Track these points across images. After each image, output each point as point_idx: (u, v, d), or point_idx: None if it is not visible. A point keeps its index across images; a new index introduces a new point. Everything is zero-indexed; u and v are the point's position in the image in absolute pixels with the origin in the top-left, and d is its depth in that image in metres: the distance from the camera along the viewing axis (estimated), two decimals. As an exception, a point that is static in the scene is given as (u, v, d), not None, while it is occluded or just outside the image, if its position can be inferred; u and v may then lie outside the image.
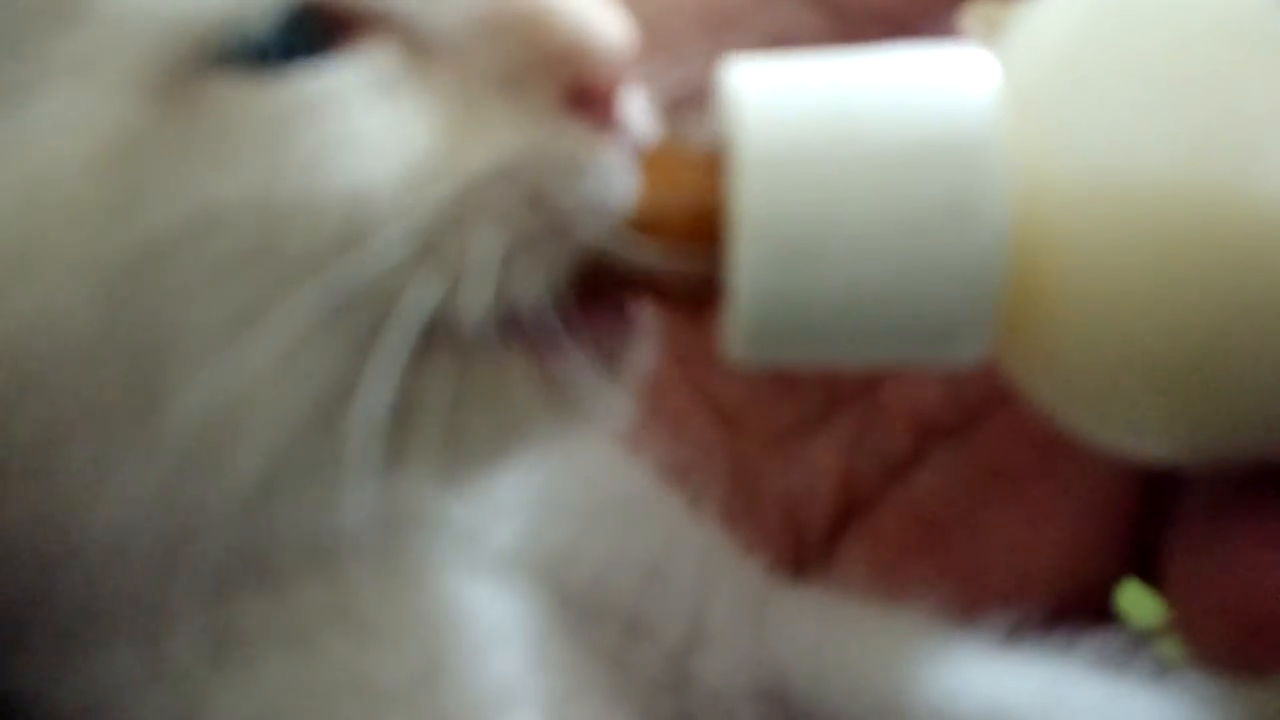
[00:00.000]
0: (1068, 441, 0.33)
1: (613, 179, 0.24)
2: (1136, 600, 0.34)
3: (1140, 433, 0.24)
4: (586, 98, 0.24)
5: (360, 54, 0.23)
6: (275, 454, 0.23)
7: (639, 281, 0.24)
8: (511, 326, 0.24)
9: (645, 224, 0.23)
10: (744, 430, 0.35)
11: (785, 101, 0.23)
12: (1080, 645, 0.31)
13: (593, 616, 0.30)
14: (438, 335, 0.23)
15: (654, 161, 0.24)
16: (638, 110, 0.25)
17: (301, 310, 0.22)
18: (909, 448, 0.35)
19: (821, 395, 0.35)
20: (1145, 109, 0.22)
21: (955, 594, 0.32)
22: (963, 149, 0.22)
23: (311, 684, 0.25)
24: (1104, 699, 0.30)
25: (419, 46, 0.24)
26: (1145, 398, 0.23)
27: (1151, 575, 0.33)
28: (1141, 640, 0.32)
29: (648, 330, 0.26)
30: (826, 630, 0.31)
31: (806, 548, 0.34)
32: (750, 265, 0.22)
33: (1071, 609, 0.33)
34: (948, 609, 0.32)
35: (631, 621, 0.30)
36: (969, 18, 0.33)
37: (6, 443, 0.23)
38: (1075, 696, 0.30)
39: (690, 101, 0.26)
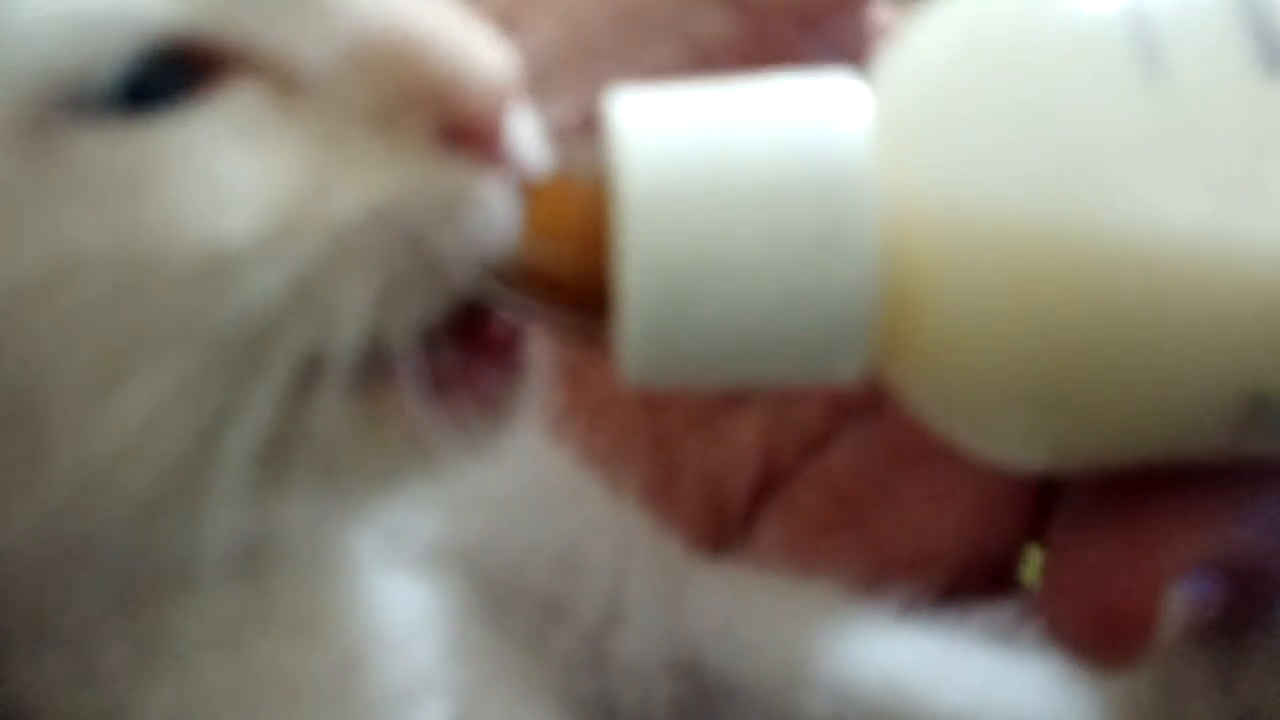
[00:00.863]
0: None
1: (493, 215, 0.24)
2: (1039, 565, 0.36)
3: (1009, 445, 0.25)
4: (463, 132, 0.23)
5: (225, 95, 0.23)
6: (151, 490, 0.23)
7: (523, 317, 0.25)
8: (385, 368, 0.24)
9: (532, 256, 0.24)
10: (666, 411, 0.36)
11: (666, 135, 0.23)
12: (977, 616, 0.33)
13: (511, 603, 0.31)
14: (313, 375, 0.23)
15: (541, 191, 0.24)
16: (523, 141, 0.25)
17: (168, 360, 0.22)
18: (824, 425, 0.36)
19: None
20: (1001, 143, 0.23)
21: (867, 566, 0.34)
22: (832, 183, 0.23)
23: (237, 683, 0.26)
24: (993, 668, 0.32)
25: (287, 84, 0.23)
26: (1010, 414, 0.24)
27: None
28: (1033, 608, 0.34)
29: (532, 365, 0.26)
30: (738, 606, 0.33)
31: (727, 523, 0.36)
32: (635, 295, 0.23)
33: (978, 577, 0.35)
34: (859, 581, 0.34)
35: (549, 605, 0.32)
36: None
37: None
38: (966, 666, 0.32)
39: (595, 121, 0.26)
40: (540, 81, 0.26)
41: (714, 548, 0.36)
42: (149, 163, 0.22)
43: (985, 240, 0.23)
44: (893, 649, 0.33)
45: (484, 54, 0.24)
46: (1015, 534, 0.35)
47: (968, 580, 0.35)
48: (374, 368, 0.23)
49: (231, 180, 0.23)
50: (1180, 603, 0.27)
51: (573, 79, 0.27)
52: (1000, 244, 0.23)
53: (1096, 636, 0.25)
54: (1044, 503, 0.35)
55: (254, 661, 0.26)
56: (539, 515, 0.32)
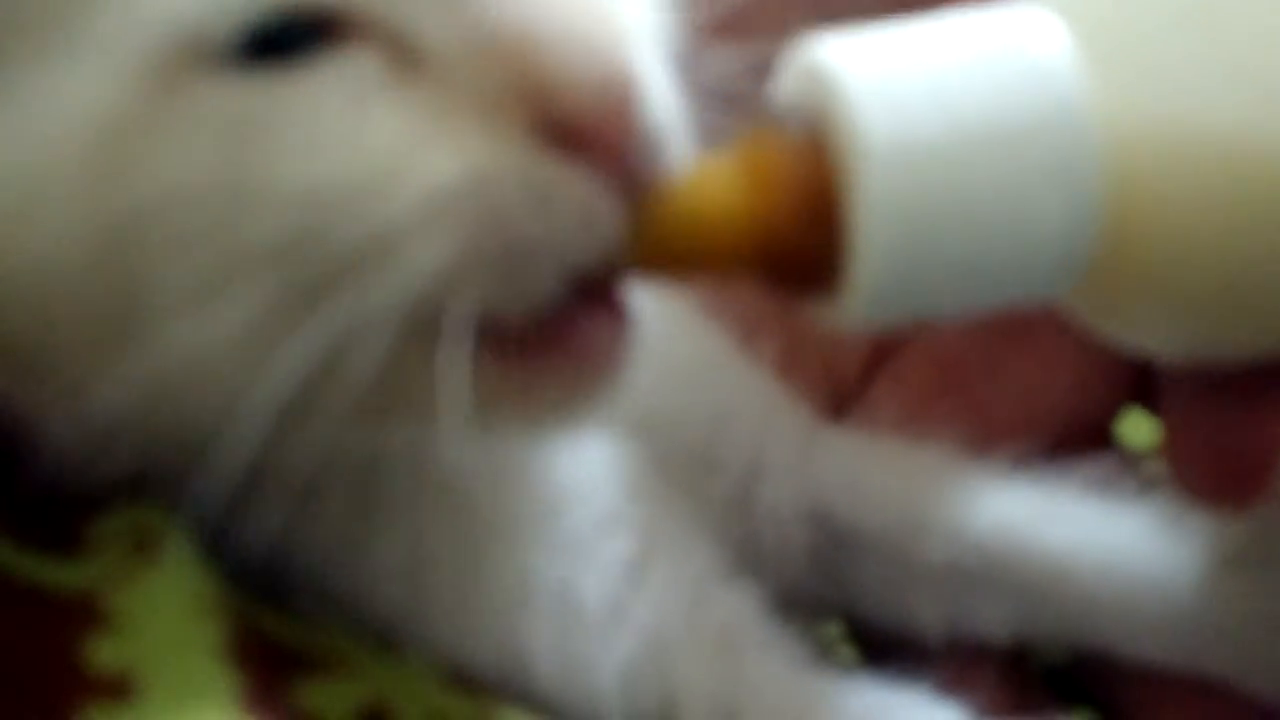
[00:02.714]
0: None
1: (589, 216, 0.24)
2: (1136, 425, 0.39)
3: (1199, 343, 0.27)
4: (568, 132, 0.24)
5: (343, 58, 0.24)
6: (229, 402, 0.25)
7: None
8: (481, 331, 0.24)
9: (752, 209, 0.24)
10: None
11: (889, 81, 0.23)
12: (1078, 472, 0.36)
13: (671, 457, 0.34)
14: (406, 331, 0.24)
15: (750, 147, 0.25)
16: (642, 142, 0.24)
17: (255, 294, 0.24)
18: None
19: None
20: (1200, 50, 0.24)
21: (972, 430, 0.37)
22: (1051, 113, 0.24)
23: (454, 526, 0.30)
24: (1094, 514, 0.35)
25: (404, 59, 0.24)
26: (1216, 314, 0.26)
27: (1150, 403, 0.38)
28: (1133, 463, 0.37)
29: (633, 323, 0.26)
30: (862, 464, 0.37)
31: (843, 392, 0.39)
32: (874, 239, 0.23)
33: (1078, 438, 0.38)
34: (964, 444, 0.37)
35: (704, 459, 0.35)
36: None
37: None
38: (1069, 512, 0.35)
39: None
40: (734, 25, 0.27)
41: (832, 414, 0.39)
42: (261, 110, 0.24)
43: (1196, 148, 0.24)
44: (1001, 500, 0.36)
45: (597, 62, 0.24)
46: (1114, 398, 0.38)
47: (1068, 441, 0.37)
48: (466, 332, 0.24)
49: (334, 133, 0.24)
50: None
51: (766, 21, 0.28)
52: (1211, 150, 0.24)
53: (1219, 483, 0.28)
54: (1141, 368, 0.38)
55: (466, 507, 0.30)
56: (696, 382, 0.35)
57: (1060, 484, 0.36)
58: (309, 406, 0.25)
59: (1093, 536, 0.35)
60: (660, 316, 0.34)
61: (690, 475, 0.35)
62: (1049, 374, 0.38)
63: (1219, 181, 0.24)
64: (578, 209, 0.24)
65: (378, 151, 0.24)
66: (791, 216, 0.24)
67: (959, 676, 0.35)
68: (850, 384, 0.39)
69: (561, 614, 0.31)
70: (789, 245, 0.24)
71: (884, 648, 0.37)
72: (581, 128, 0.24)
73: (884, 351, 0.39)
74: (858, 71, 0.24)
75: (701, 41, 0.27)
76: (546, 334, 0.25)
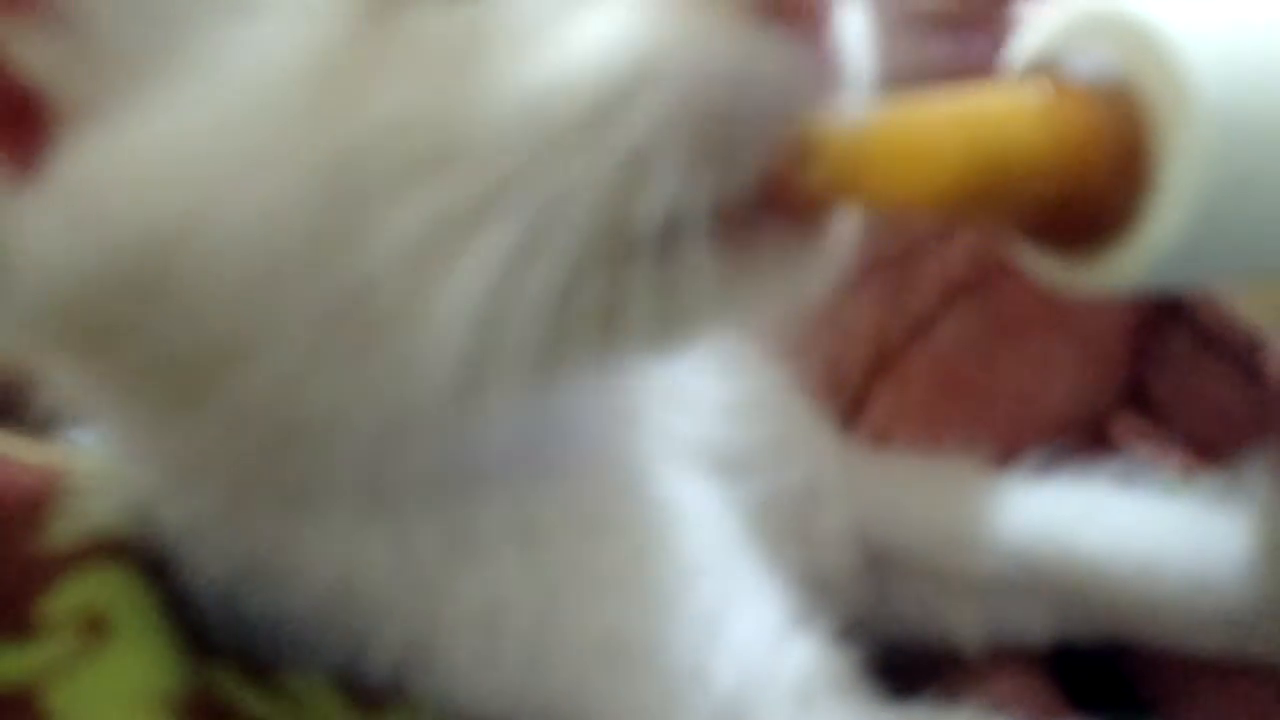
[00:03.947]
0: (1068, 298, 0.38)
1: (803, 90, 0.24)
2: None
3: None
4: (783, 7, 0.24)
5: None
6: (474, 353, 0.24)
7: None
8: (704, 219, 0.24)
9: (1069, 166, 0.24)
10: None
11: (1216, 47, 0.23)
12: (1094, 472, 0.37)
13: (741, 492, 0.33)
14: (650, 231, 0.24)
15: (1058, 101, 0.24)
16: (845, 35, 0.25)
17: (495, 233, 0.23)
18: (932, 308, 0.39)
19: (860, 264, 0.38)
20: None
21: (973, 433, 0.37)
22: None
23: (538, 575, 0.28)
24: (1127, 512, 0.36)
25: None
26: None
27: (1143, 404, 0.39)
28: (1139, 468, 0.38)
29: (844, 220, 0.26)
30: (894, 484, 0.36)
31: (846, 400, 0.39)
32: (1183, 201, 0.23)
33: (1077, 440, 0.38)
34: (967, 448, 0.37)
35: (767, 490, 0.33)
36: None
37: (231, 330, 0.24)
38: (1101, 510, 0.36)
39: None
40: None
41: (837, 425, 0.38)
42: (475, 28, 0.23)
43: None
44: (1033, 506, 0.36)
45: None
46: (1108, 400, 0.39)
47: (1065, 444, 0.38)
48: (693, 221, 0.24)
49: (558, 46, 0.23)
50: None
51: None
52: None
53: None
54: (1135, 367, 0.39)
55: (555, 556, 0.28)
56: (756, 417, 0.34)
57: (1084, 483, 0.37)
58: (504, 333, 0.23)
59: (1128, 534, 0.35)
60: (711, 353, 0.33)
61: (756, 509, 0.33)
62: (1045, 377, 0.39)
63: None
64: (784, 70, 0.24)
65: (588, 42, 0.23)
66: (1100, 165, 0.24)
67: (1003, 689, 0.35)
68: (853, 395, 0.39)
69: (643, 671, 0.29)
70: (1093, 193, 0.24)
71: (911, 665, 0.37)
72: (795, 4, 0.24)
73: (884, 361, 0.39)
74: (1180, 31, 0.23)
75: None
76: (750, 217, 0.24)
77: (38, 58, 0.24)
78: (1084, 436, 0.39)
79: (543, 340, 0.23)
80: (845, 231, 0.26)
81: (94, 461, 0.29)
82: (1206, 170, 0.23)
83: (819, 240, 0.26)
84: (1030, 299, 0.38)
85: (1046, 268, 0.25)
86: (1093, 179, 0.24)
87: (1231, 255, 0.24)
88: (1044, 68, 0.25)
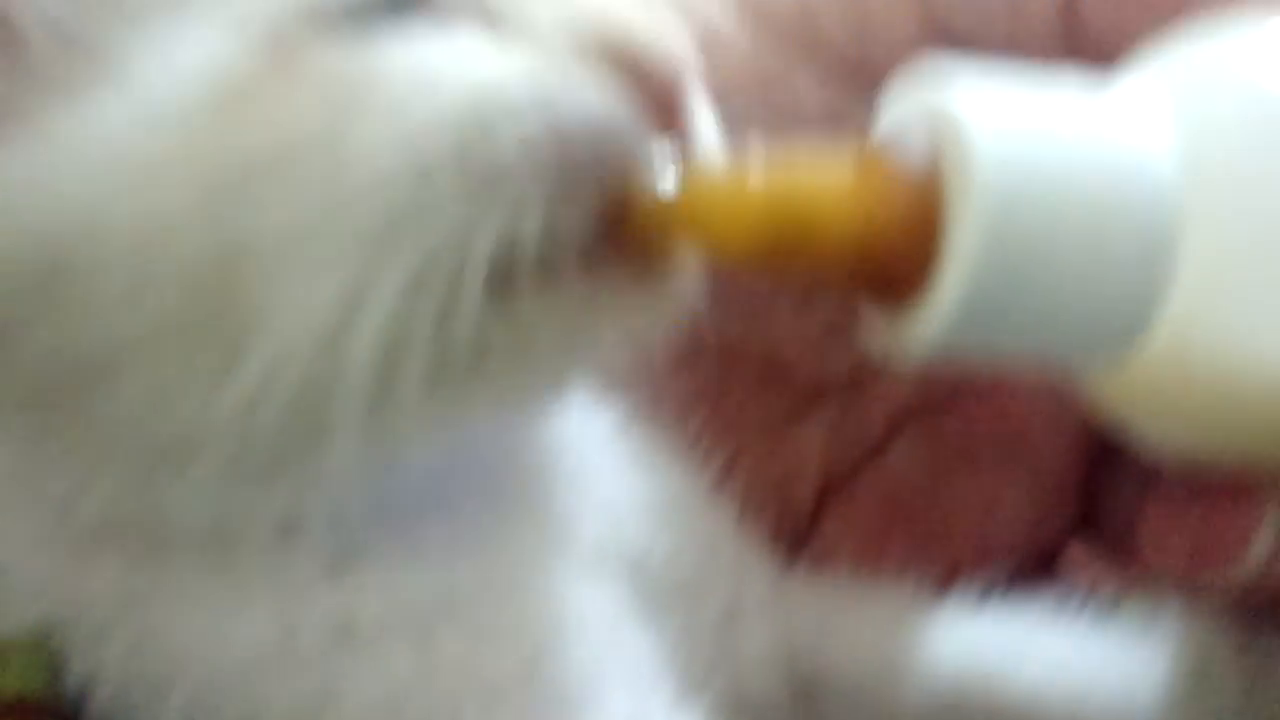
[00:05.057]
0: (1021, 424, 0.38)
1: (650, 159, 0.26)
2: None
3: (1217, 452, 0.29)
4: (640, 86, 0.26)
5: (439, 21, 0.27)
6: (332, 383, 0.25)
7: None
8: (561, 256, 0.26)
9: (864, 212, 0.26)
10: (737, 420, 0.38)
11: (1006, 130, 0.25)
12: (1037, 601, 0.36)
13: (656, 598, 0.33)
14: (503, 266, 0.26)
15: (867, 156, 0.26)
16: (695, 116, 0.28)
17: (354, 230, 0.25)
18: (883, 431, 0.39)
19: (810, 387, 0.39)
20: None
21: (924, 561, 0.37)
22: (1148, 204, 0.26)
23: (430, 677, 0.28)
24: (1062, 643, 0.36)
25: (492, 24, 0.27)
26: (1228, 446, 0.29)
27: (1094, 530, 0.39)
28: (1087, 594, 0.37)
29: (688, 260, 0.28)
30: (829, 608, 0.36)
31: (794, 524, 0.39)
32: (968, 271, 0.25)
33: (1028, 568, 0.38)
34: (917, 576, 0.37)
35: (685, 603, 0.34)
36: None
37: (106, 341, 0.26)
38: (1037, 644, 0.36)
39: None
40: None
41: (779, 547, 0.38)
42: (365, 64, 0.26)
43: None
44: (969, 635, 0.36)
45: (674, 41, 0.27)
46: (1061, 527, 0.39)
47: (1019, 571, 0.38)
48: (549, 258, 0.26)
49: (434, 83, 0.26)
50: (1266, 538, 0.31)
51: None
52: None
53: (1198, 553, 0.30)
54: (1086, 497, 0.38)
55: (446, 659, 0.28)
56: (679, 523, 0.34)
57: (1023, 613, 0.36)
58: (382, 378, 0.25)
59: (1063, 665, 0.35)
60: (640, 457, 0.33)
61: (668, 617, 0.33)
62: (995, 504, 0.38)
63: None
64: (639, 126, 0.26)
65: (471, 93, 0.26)
66: (895, 232, 0.26)
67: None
68: (801, 515, 0.39)
69: None
70: (887, 260, 0.26)
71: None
72: (653, 83, 0.27)
73: (834, 480, 0.39)
74: (978, 114, 0.25)
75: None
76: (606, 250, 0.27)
77: None
78: (1032, 564, 0.38)
79: (379, 372, 0.25)
80: (688, 274, 0.28)
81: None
82: (986, 247, 0.25)
83: (662, 281, 0.28)
84: (980, 427, 0.38)
85: (874, 326, 0.27)
86: (893, 246, 0.26)
87: (1019, 334, 0.26)
88: (883, 140, 0.27)
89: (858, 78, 0.35)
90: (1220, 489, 0.30)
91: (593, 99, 0.26)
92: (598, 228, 0.26)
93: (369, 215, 0.25)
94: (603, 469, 0.34)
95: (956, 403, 0.38)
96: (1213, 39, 0.28)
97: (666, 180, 0.27)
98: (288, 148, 0.25)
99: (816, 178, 0.26)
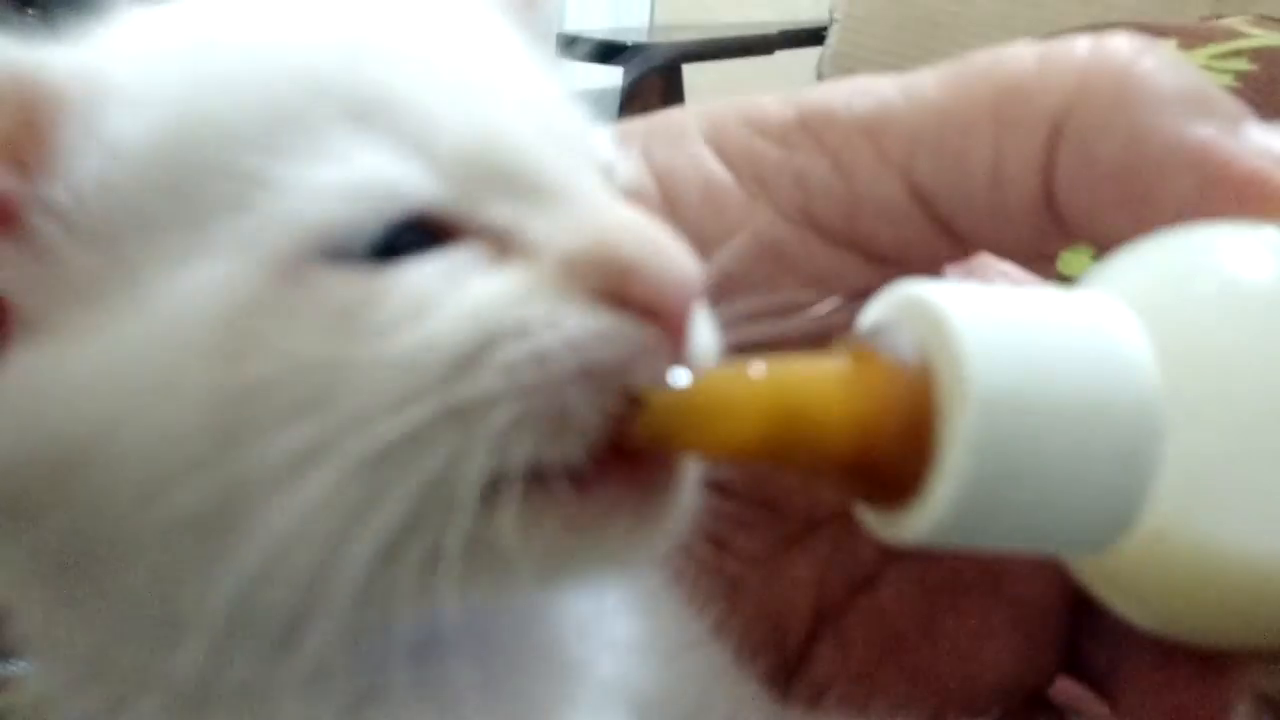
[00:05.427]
0: (1007, 564, 0.39)
1: (656, 375, 0.28)
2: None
3: (1195, 635, 0.30)
4: (646, 308, 0.28)
5: (450, 251, 0.28)
6: (320, 582, 0.27)
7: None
8: (557, 475, 0.28)
9: (855, 418, 0.27)
10: (732, 551, 0.39)
11: (994, 338, 0.26)
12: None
13: None
14: (494, 486, 0.27)
15: (857, 362, 0.27)
16: (698, 333, 0.29)
17: (349, 456, 0.26)
18: (874, 565, 0.40)
19: (801, 519, 0.40)
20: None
21: (915, 696, 0.37)
22: (1132, 404, 0.27)
23: None
24: None
25: (506, 250, 0.28)
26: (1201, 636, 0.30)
27: (1082, 671, 0.39)
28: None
29: (686, 478, 0.29)
30: None
31: (788, 656, 0.39)
32: (959, 472, 0.26)
33: (1017, 705, 0.38)
34: (909, 711, 0.37)
35: None
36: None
37: (119, 535, 0.28)
38: None
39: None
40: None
41: (772, 680, 0.38)
42: (369, 294, 0.27)
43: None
44: None
45: (680, 258, 0.29)
46: (1050, 665, 0.39)
47: (1007, 707, 0.38)
48: (545, 478, 0.27)
49: (428, 312, 0.27)
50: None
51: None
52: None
53: None
54: (1074, 635, 0.39)
55: None
56: (677, 664, 0.35)
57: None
58: (375, 581, 0.27)
59: None
60: (639, 595, 0.34)
61: None
62: (984, 640, 0.39)
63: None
64: (631, 347, 0.28)
65: (461, 318, 0.27)
66: (889, 432, 0.27)
67: None
68: (791, 646, 0.39)
69: None
70: (881, 457, 0.27)
71: None
72: (658, 305, 0.28)
73: (826, 612, 0.40)
74: (968, 325, 0.26)
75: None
76: (601, 471, 0.28)
77: (7, 270, 0.28)
78: (1020, 703, 0.39)
79: (366, 581, 0.27)
80: (686, 494, 0.29)
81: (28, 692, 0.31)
82: (978, 454, 0.26)
83: (658, 506, 0.29)
84: (967, 564, 0.39)
85: (864, 517, 0.28)
86: (885, 446, 0.27)
87: (1009, 531, 0.27)
88: (870, 340, 0.28)
89: (850, 247, 0.36)
90: (1198, 661, 0.31)
91: (581, 327, 0.27)
92: (592, 452, 0.28)
93: (364, 441, 0.26)
94: (611, 610, 0.35)
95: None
96: (1185, 240, 0.29)
97: (669, 380, 0.28)
98: (289, 376, 0.27)
99: (809, 378, 0.27)
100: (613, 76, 1.94)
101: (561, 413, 0.27)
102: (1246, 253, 0.29)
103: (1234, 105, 0.33)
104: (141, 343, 0.27)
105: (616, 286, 0.28)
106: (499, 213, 0.28)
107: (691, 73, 1.87)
